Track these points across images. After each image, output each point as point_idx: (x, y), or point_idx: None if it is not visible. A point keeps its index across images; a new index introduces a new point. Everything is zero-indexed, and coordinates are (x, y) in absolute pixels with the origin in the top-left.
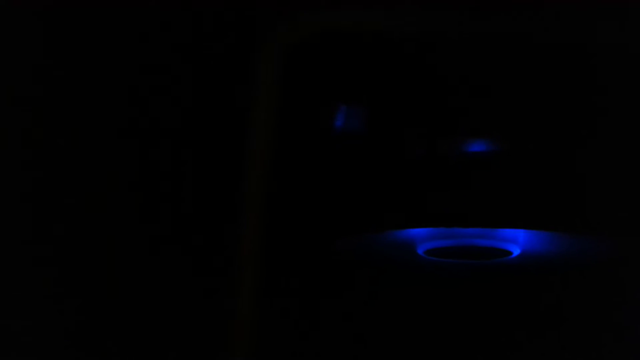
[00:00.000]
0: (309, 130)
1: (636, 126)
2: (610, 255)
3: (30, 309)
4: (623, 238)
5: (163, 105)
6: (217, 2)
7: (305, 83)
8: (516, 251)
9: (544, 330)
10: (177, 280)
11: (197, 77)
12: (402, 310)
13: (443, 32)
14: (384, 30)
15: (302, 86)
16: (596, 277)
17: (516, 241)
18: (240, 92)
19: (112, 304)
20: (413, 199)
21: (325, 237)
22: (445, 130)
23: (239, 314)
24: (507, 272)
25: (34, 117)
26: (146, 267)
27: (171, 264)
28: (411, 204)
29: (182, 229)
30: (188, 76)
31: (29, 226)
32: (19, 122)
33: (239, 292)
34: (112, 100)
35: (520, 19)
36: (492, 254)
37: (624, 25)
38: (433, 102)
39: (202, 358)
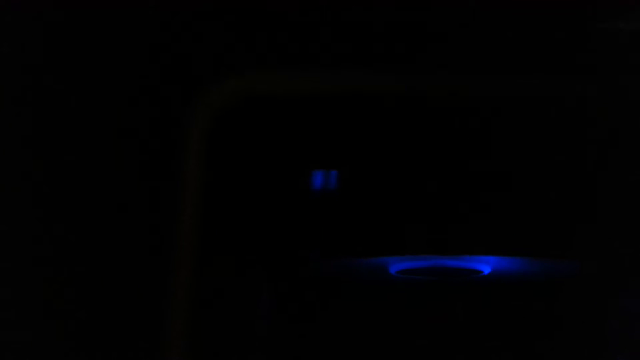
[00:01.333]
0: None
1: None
2: (573, 274)
3: (30, 309)
4: (585, 260)
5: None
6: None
7: (231, 144)
8: (486, 270)
9: (513, 343)
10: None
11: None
12: (374, 326)
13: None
14: (306, 91)
15: (229, 147)
16: (560, 294)
17: (487, 262)
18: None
19: (112, 304)
20: (388, 229)
21: (301, 257)
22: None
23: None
24: (478, 290)
25: (34, 117)
26: (146, 267)
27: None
28: (386, 233)
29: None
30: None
31: (29, 226)
32: (19, 122)
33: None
34: (113, 101)
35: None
36: (462, 273)
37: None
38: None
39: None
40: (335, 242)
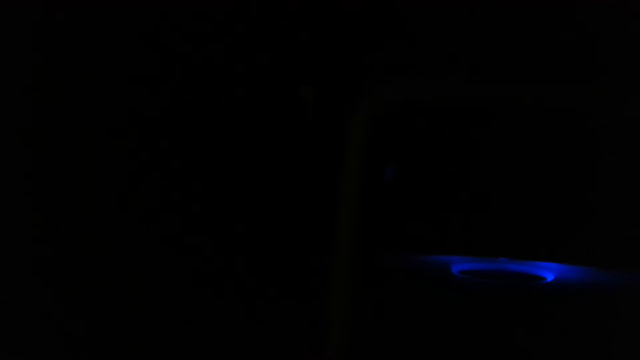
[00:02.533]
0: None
1: None
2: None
3: (30, 309)
4: None
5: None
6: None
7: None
8: (549, 277)
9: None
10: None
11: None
12: (435, 326)
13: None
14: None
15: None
16: (627, 308)
17: (550, 268)
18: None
19: (113, 304)
20: (456, 229)
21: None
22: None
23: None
24: (540, 297)
25: (34, 117)
26: (146, 267)
27: (177, 266)
28: (454, 233)
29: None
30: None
31: (29, 226)
32: (19, 122)
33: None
34: (113, 100)
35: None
36: (525, 278)
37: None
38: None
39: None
40: (402, 239)
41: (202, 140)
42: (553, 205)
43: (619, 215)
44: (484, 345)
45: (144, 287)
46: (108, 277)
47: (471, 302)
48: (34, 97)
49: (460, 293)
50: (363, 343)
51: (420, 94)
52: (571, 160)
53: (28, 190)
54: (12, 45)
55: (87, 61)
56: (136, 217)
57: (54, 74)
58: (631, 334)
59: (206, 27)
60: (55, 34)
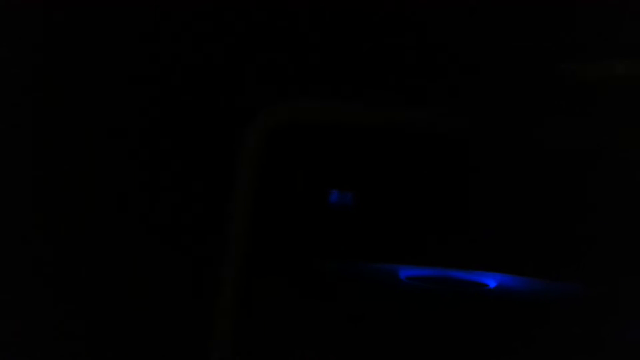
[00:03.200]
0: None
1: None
2: (581, 297)
3: (30, 309)
4: (593, 285)
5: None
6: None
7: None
8: (492, 284)
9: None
10: (170, 281)
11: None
12: (381, 332)
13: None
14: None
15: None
16: (566, 314)
17: (493, 276)
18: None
19: (113, 304)
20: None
21: (310, 258)
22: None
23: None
24: (483, 302)
25: (34, 117)
26: (145, 268)
27: (168, 265)
28: (399, 241)
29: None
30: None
31: (29, 226)
32: (19, 122)
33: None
34: (113, 100)
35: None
36: (469, 285)
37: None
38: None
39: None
40: (352, 250)
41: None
42: (496, 218)
43: (557, 228)
44: (431, 350)
45: (143, 287)
46: (108, 277)
47: (418, 307)
48: (34, 97)
49: (408, 299)
50: (306, 349)
51: (314, 115)
52: (511, 172)
53: (28, 190)
54: (12, 45)
55: (87, 61)
56: (136, 217)
57: (54, 74)
58: (567, 340)
59: None
60: (55, 34)
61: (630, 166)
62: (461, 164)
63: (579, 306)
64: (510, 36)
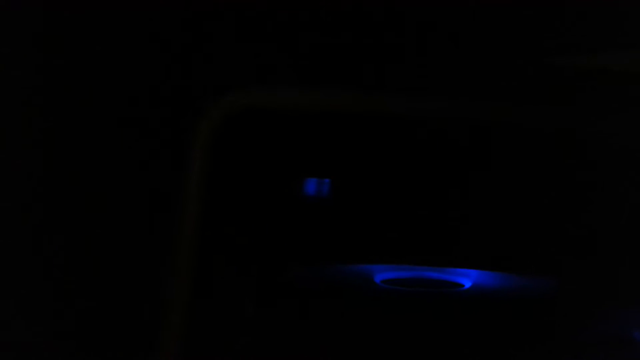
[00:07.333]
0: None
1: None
2: (553, 292)
3: (30, 309)
4: (566, 279)
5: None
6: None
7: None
8: (467, 284)
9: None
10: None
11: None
12: (358, 337)
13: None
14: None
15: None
16: (541, 310)
17: (468, 275)
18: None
19: (113, 304)
20: (374, 236)
21: (282, 266)
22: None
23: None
24: (459, 302)
25: (34, 116)
26: (146, 267)
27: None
28: (371, 240)
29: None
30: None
31: (29, 226)
32: (19, 122)
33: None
34: (114, 100)
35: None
36: (444, 286)
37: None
38: None
39: None
40: (322, 250)
41: None
42: (470, 214)
43: (532, 223)
44: (407, 351)
45: (143, 287)
46: (108, 277)
47: (394, 310)
48: (35, 97)
49: (383, 301)
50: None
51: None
52: (485, 168)
53: (29, 190)
54: (12, 45)
55: (87, 61)
56: (136, 217)
57: (55, 74)
58: (542, 335)
59: None
60: (55, 34)
61: (606, 161)
62: (433, 159)
63: (554, 301)
64: (505, 29)
